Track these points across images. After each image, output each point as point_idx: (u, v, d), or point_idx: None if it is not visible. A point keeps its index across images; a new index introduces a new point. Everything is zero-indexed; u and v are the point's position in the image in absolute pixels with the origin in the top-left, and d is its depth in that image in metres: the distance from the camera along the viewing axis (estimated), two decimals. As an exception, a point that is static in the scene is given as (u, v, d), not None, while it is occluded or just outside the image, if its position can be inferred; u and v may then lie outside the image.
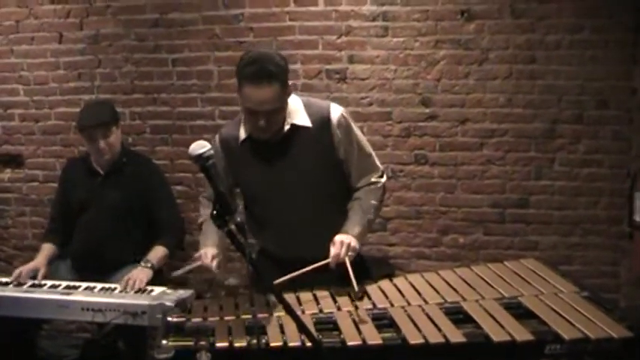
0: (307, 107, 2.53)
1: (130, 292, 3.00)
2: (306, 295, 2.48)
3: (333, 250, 2.42)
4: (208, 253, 2.46)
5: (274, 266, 2.53)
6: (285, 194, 2.52)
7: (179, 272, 2.39)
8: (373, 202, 2.62)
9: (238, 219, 1.79)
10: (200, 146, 1.85)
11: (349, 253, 2.43)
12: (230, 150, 2.56)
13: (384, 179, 2.66)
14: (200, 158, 1.84)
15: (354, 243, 2.46)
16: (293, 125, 2.48)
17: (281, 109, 2.42)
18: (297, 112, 2.51)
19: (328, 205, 2.58)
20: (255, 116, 2.39)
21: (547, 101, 3.73)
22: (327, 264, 2.41)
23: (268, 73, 2.34)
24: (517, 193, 3.86)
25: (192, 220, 3.93)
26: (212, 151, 1.82)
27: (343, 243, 2.44)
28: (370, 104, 3.84)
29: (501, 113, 3.80)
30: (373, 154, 2.68)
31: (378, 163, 2.68)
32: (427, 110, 3.85)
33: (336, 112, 2.55)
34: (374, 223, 2.68)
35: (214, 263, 2.44)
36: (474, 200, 3.91)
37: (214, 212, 1.80)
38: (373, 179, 2.66)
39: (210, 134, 3.68)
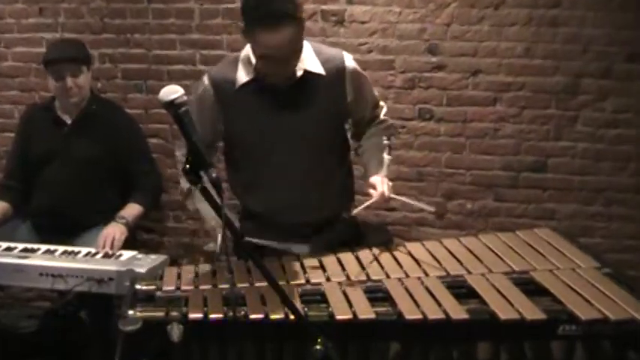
0: (318, 54, 2.53)
1: (116, 253, 3.03)
2: (292, 264, 2.49)
3: (375, 191, 2.51)
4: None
5: (264, 232, 2.57)
6: (287, 147, 2.51)
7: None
8: (386, 141, 2.71)
9: (214, 174, 1.76)
10: (172, 91, 1.81)
11: (391, 191, 2.52)
12: (224, 95, 2.52)
13: (390, 121, 2.75)
14: (172, 105, 1.81)
15: (388, 182, 2.55)
16: (306, 72, 2.48)
17: (299, 49, 2.41)
18: (308, 57, 2.50)
19: (330, 161, 2.60)
20: (271, 62, 2.37)
21: (570, 52, 3.69)
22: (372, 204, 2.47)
23: (284, 12, 2.30)
24: (533, 155, 3.85)
25: (168, 177, 3.97)
26: (185, 98, 1.79)
27: (384, 181, 2.52)
28: (370, 51, 3.80)
29: (518, 64, 3.76)
30: (382, 103, 2.78)
31: (384, 107, 2.76)
32: (434, 59, 3.82)
33: (350, 61, 2.56)
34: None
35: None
36: (483, 162, 3.90)
37: (186, 166, 1.78)
38: (380, 117, 2.76)
39: (189, 80, 3.77)
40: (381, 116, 2.75)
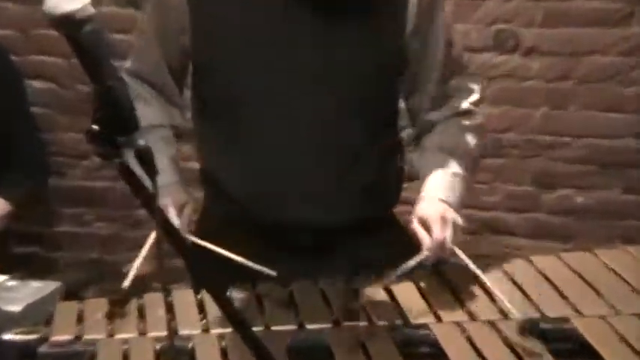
0: None
1: None
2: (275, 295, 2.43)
3: (427, 234, 2.39)
4: (170, 203, 2.46)
5: (236, 237, 2.51)
6: (294, 95, 2.50)
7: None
8: (474, 148, 2.62)
9: (141, 142, 1.65)
10: None
11: (458, 238, 2.42)
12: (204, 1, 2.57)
13: (481, 118, 2.67)
14: (68, 22, 1.65)
15: (459, 219, 2.44)
16: None
17: None
18: None
19: (366, 129, 2.58)
20: None
21: None
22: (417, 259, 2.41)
23: None
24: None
25: (64, 147, 4.08)
26: (92, 9, 1.69)
27: (446, 220, 2.40)
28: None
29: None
30: (465, 56, 2.77)
31: (473, 75, 2.74)
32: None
33: None
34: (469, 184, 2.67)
35: (183, 218, 2.48)
36: (605, 124, 3.84)
37: (94, 127, 1.65)
38: (465, 105, 2.63)
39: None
40: (466, 103, 2.59)
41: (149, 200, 1.70)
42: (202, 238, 2.41)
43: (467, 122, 2.65)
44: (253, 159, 2.60)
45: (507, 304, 2.32)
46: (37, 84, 4.05)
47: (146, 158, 1.67)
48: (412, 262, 2.40)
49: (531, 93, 3.86)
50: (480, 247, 3.89)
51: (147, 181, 1.68)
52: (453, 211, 2.46)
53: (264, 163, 2.59)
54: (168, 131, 2.57)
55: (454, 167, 2.58)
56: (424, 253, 2.39)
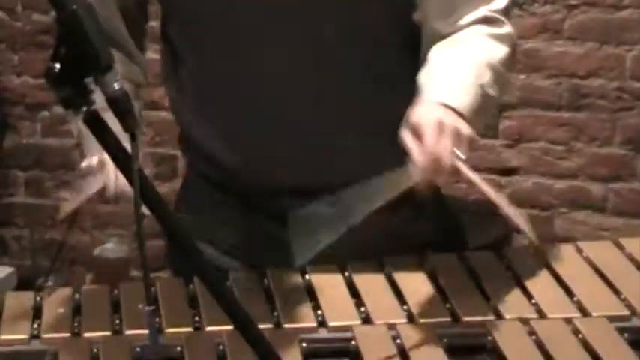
0: None
1: None
2: (292, 278, 2.47)
3: (423, 142, 2.32)
4: (94, 160, 2.48)
5: (230, 210, 2.61)
6: (289, 37, 2.51)
7: (66, 210, 2.43)
8: (493, 60, 2.55)
9: (116, 85, 1.66)
10: None
11: (459, 153, 2.32)
12: None
13: (509, 28, 2.61)
14: None
15: (465, 129, 2.33)
16: None
17: None
18: None
19: (379, 80, 2.57)
20: None
21: None
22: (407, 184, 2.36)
23: None
24: None
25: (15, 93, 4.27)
26: None
27: (444, 126, 2.31)
28: None
29: None
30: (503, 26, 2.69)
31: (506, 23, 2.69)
32: None
33: None
34: (493, 108, 2.69)
35: (111, 181, 2.41)
36: None
37: (54, 65, 1.66)
38: (482, 12, 2.58)
39: None
40: (484, 10, 2.57)
41: (126, 161, 1.70)
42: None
43: (487, 29, 2.62)
44: (236, 115, 2.62)
45: (528, 232, 2.33)
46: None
47: (123, 106, 1.68)
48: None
49: (624, 27, 3.94)
50: (555, 227, 4.07)
51: (123, 137, 1.68)
52: (457, 117, 2.39)
53: (248, 124, 2.60)
54: (131, 86, 2.58)
55: (467, 73, 2.54)
56: (410, 167, 2.34)
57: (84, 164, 2.53)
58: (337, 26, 2.53)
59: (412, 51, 2.64)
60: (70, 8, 1.66)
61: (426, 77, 2.53)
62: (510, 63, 2.63)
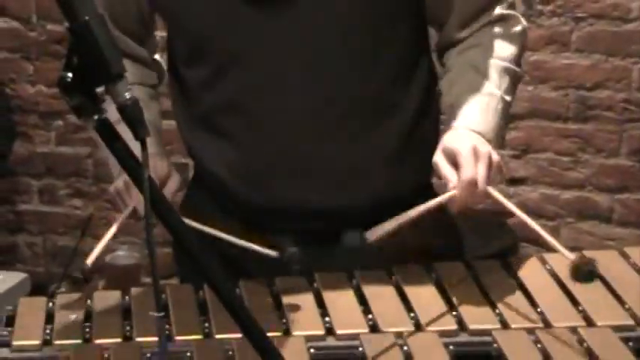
0: None
1: None
2: (299, 294, 2.42)
3: (455, 171, 2.37)
4: (120, 183, 2.51)
5: (230, 222, 2.50)
6: (286, 26, 2.48)
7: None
8: (507, 64, 2.58)
9: (127, 94, 1.66)
10: None
11: (495, 178, 2.41)
12: None
13: (521, 25, 2.64)
14: None
15: (495, 155, 2.41)
16: None
17: None
18: None
19: (387, 75, 2.55)
20: None
21: None
22: (440, 205, 2.41)
23: None
24: None
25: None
26: None
27: (479, 153, 2.37)
28: None
29: None
30: None
31: None
32: None
33: None
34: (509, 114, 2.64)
35: (138, 203, 2.45)
36: None
37: (67, 74, 1.66)
38: (498, 11, 2.59)
39: None
40: (499, 9, 2.59)
41: (136, 169, 1.70)
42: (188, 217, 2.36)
43: (502, 29, 2.63)
44: (237, 129, 2.58)
45: (562, 250, 2.36)
46: (-3, 22, 3.89)
47: (133, 115, 1.68)
48: (431, 204, 2.40)
49: (631, 39, 3.90)
50: (561, 236, 4.01)
51: (134, 145, 1.67)
52: (487, 144, 2.44)
53: (253, 134, 2.56)
54: (147, 89, 2.58)
55: (488, 86, 2.56)
56: (449, 194, 2.38)
57: (111, 188, 2.56)
58: (340, 33, 2.48)
59: (410, 67, 2.61)
60: (83, 19, 1.67)
61: (450, 99, 2.57)
62: (523, 53, 2.66)
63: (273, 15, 2.51)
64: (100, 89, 1.68)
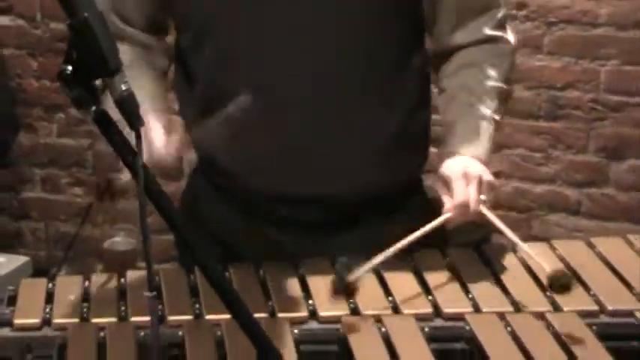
0: None
1: None
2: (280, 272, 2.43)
3: (452, 193, 2.40)
4: (153, 120, 2.43)
5: (229, 209, 2.59)
6: (295, 34, 2.47)
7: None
8: (497, 83, 2.60)
9: (123, 87, 1.66)
10: None
11: (484, 198, 2.43)
12: None
13: (510, 35, 2.66)
14: None
15: (487, 176, 2.45)
16: None
17: None
18: None
19: (385, 74, 2.57)
20: None
21: None
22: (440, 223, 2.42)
23: None
24: None
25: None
26: None
27: (469, 177, 2.41)
28: None
29: None
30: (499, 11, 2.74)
31: (501, 8, 2.71)
32: None
33: None
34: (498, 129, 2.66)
35: (171, 146, 2.43)
36: None
37: (66, 68, 1.66)
38: (487, 31, 2.62)
39: None
40: (488, 29, 2.62)
41: (132, 158, 1.71)
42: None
43: (493, 49, 2.64)
44: (238, 117, 2.52)
45: (542, 263, 2.43)
46: (2, 20, 4.10)
47: (129, 106, 1.69)
48: (427, 229, 2.42)
49: (599, 43, 3.88)
50: (532, 228, 4.00)
51: (129, 135, 1.69)
52: (479, 165, 2.47)
53: (254, 129, 2.54)
54: (154, 71, 2.58)
55: (480, 109, 2.58)
56: (444, 217, 2.42)
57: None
58: (355, 20, 2.50)
59: (405, 61, 2.61)
60: (82, 15, 1.70)
61: (446, 119, 2.58)
62: (512, 71, 2.69)
63: (274, 10, 2.51)
64: (97, 82, 1.69)
